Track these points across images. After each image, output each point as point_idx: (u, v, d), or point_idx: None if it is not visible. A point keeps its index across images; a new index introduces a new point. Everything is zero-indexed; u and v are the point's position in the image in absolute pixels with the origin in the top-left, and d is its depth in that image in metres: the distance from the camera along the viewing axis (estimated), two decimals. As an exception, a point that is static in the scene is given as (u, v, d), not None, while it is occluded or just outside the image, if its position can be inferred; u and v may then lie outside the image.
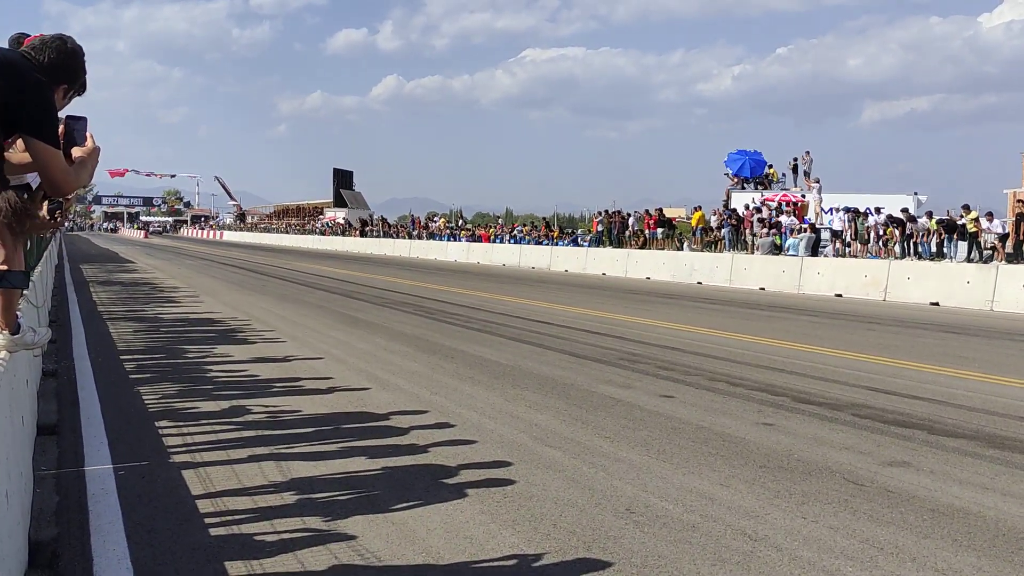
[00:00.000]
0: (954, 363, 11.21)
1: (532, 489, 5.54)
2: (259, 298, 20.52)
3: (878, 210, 28.42)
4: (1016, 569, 4.35)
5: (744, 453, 6.51)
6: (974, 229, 24.54)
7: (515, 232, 48.45)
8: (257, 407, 7.92)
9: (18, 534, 3.94)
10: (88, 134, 3.63)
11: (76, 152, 3.54)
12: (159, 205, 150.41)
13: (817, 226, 30.89)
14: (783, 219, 30.96)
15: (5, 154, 3.62)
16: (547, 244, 42.16)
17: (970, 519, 5.10)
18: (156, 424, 7.21)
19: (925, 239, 26.01)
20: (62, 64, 3.60)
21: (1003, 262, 22.34)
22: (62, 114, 3.62)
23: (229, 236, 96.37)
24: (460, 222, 60.39)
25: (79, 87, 3.75)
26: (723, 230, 32.90)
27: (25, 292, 6.01)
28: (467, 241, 49.19)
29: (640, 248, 35.10)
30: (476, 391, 8.86)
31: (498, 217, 66.85)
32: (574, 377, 9.71)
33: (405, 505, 5.16)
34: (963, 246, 25.08)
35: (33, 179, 4.19)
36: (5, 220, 3.24)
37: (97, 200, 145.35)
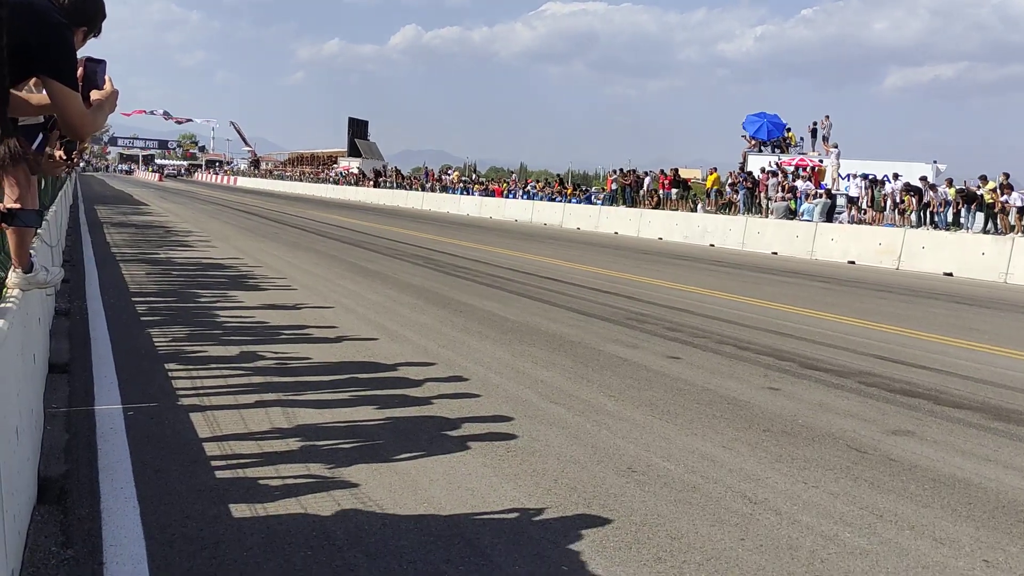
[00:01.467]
0: (964, 334, 11.18)
1: (535, 444, 5.58)
2: (271, 245, 20.56)
3: (896, 176, 28.15)
4: (1014, 540, 4.37)
5: (748, 417, 6.54)
6: (991, 200, 24.32)
7: (528, 188, 48.25)
8: (266, 353, 7.98)
9: (28, 470, 4.00)
10: (107, 77, 3.62)
11: (94, 95, 3.53)
12: (174, 149, 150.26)
13: (833, 192, 30.67)
14: (799, 184, 30.72)
15: (24, 95, 3.62)
16: (560, 201, 41.99)
17: (971, 490, 5.13)
18: (166, 366, 7.27)
19: (942, 209, 25.78)
20: (83, 8, 3.58)
21: (1019, 234, 22.17)
22: (80, 56, 3.60)
23: (243, 182, 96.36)
24: (474, 176, 60.13)
25: (97, 30, 3.73)
26: (738, 193, 32.70)
27: (39, 231, 6.04)
28: (480, 195, 49.03)
29: (654, 208, 34.95)
30: (484, 346, 8.90)
31: (512, 172, 66.53)
32: (581, 335, 9.73)
33: (408, 455, 5.21)
34: (980, 217, 24.88)
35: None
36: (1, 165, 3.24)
37: (113, 142, 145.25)
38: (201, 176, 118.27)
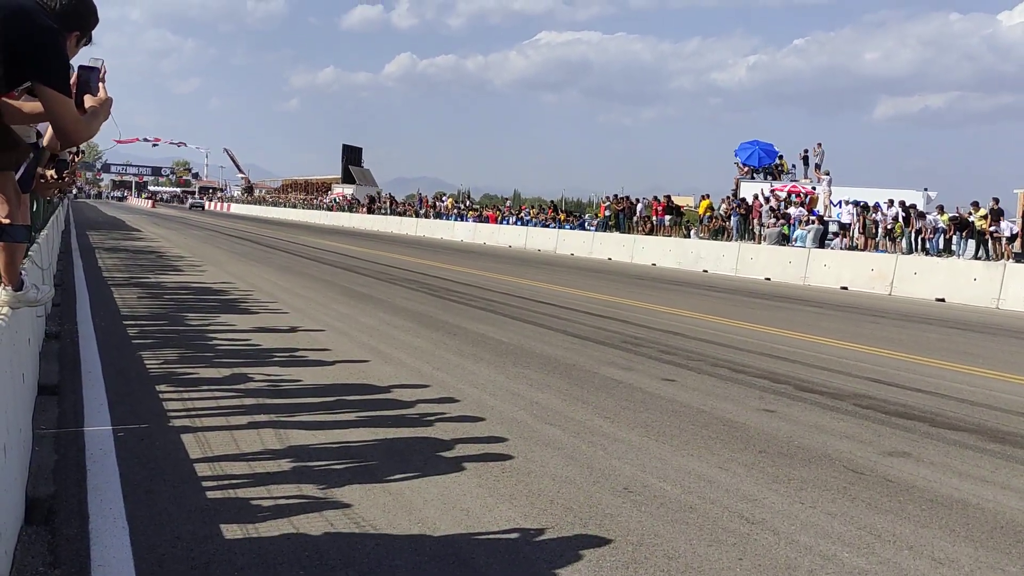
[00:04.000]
0: (958, 358, 11.17)
1: (530, 465, 5.53)
2: (263, 269, 20.52)
3: (891, 202, 28.27)
4: (1013, 561, 4.33)
5: (744, 438, 6.50)
6: (982, 226, 24.42)
7: (522, 214, 48.33)
8: (258, 375, 7.92)
9: (15, 489, 3.94)
10: (101, 84, 3.57)
11: (88, 101, 3.49)
12: (167, 175, 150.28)
13: (825, 219, 30.77)
14: (791, 210, 30.83)
15: (17, 103, 3.58)
16: (554, 227, 42.05)
17: (969, 511, 5.09)
18: (157, 388, 7.21)
19: (932, 236, 25.87)
20: (74, 11, 3.53)
21: (1011, 260, 22.24)
22: (75, 63, 3.56)
23: (236, 208, 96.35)
24: (468, 202, 60.25)
25: (89, 35, 3.69)
26: (731, 219, 32.80)
27: (31, 253, 6.01)
28: (474, 222, 49.08)
29: (647, 234, 35.01)
30: (478, 368, 8.85)
31: (506, 199, 66.61)
32: (576, 358, 9.69)
33: (402, 476, 5.15)
34: (971, 244, 24.97)
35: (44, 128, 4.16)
36: None
37: (106, 168, 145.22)
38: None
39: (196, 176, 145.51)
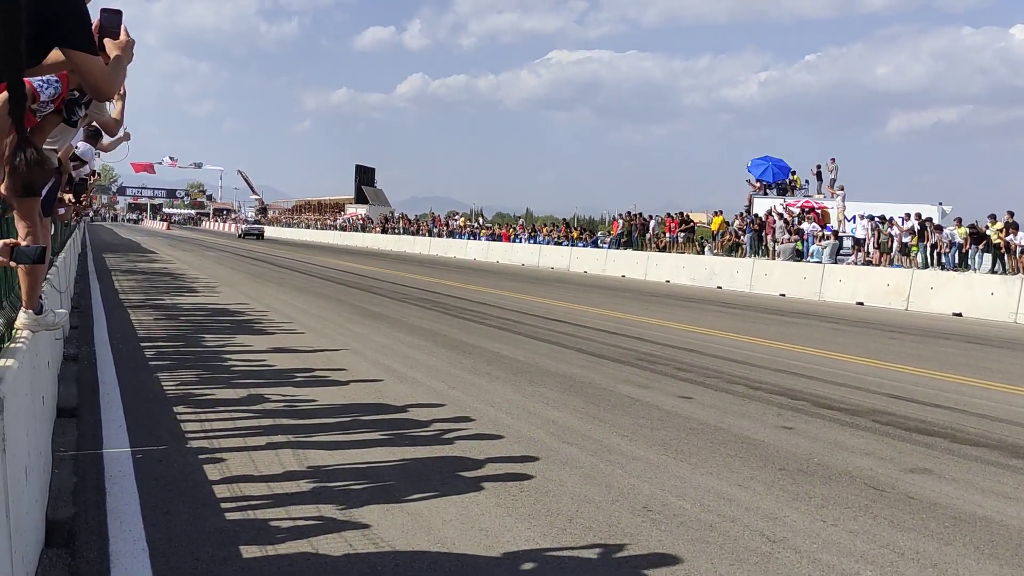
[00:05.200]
0: (977, 373, 11.08)
1: (549, 484, 5.51)
2: (278, 290, 20.57)
3: (907, 215, 28.16)
4: (1039, 579, 4.28)
5: (763, 455, 6.45)
6: (998, 240, 24.29)
7: (535, 232, 48.39)
8: (275, 396, 7.92)
9: (36, 512, 3.94)
10: (123, 27, 3.53)
11: (110, 47, 3.44)
12: (182, 197, 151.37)
13: (840, 234, 30.66)
14: (805, 226, 30.75)
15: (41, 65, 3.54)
16: (567, 245, 42.06)
17: (993, 527, 5.03)
18: (174, 409, 7.22)
19: (948, 250, 25.74)
20: None
21: (1027, 275, 22.10)
22: (96, 9, 3.51)
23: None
24: (480, 221, 60.38)
25: None
26: (744, 235, 32.74)
27: (49, 276, 6.05)
28: (487, 240, 49.17)
29: (660, 251, 34.97)
30: (494, 387, 8.84)
31: (518, 217, 66.73)
32: (592, 376, 9.67)
33: (420, 496, 5.13)
34: (987, 257, 24.83)
35: (85, 151, 4.19)
36: (23, 180, 3.17)
37: (121, 191, 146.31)
38: (209, 224, 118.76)
39: (210, 198, 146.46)
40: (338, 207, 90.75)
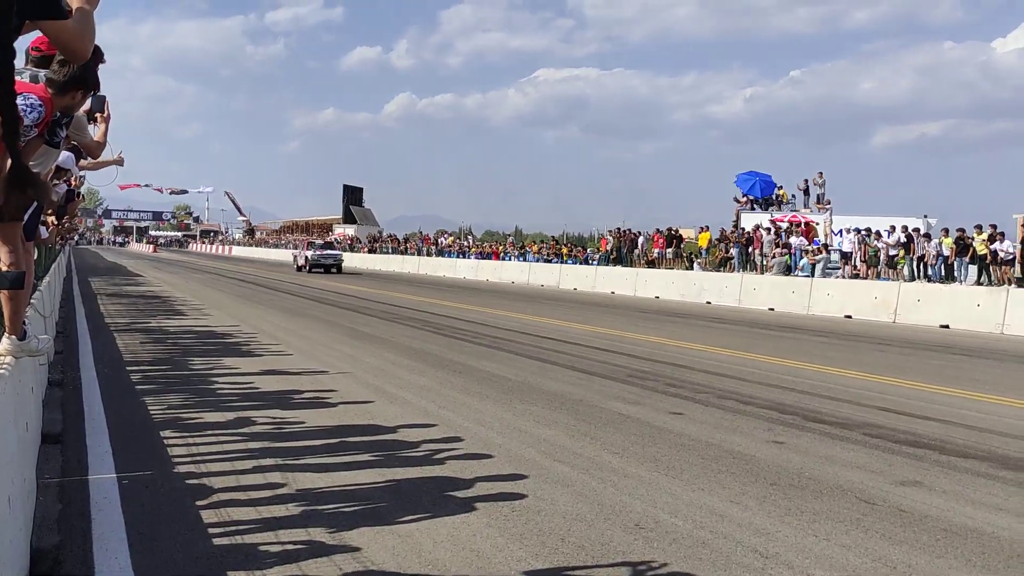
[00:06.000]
0: (966, 385, 11.10)
1: (540, 503, 5.48)
2: (266, 311, 20.50)
3: (892, 228, 28.32)
4: (1033, 590, 4.27)
5: (754, 471, 6.44)
6: (984, 251, 24.43)
7: (524, 250, 48.41)
8: (263, 419, 7.87)
9: (20, 540, 3.89)
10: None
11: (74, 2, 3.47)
12: (169, 220, 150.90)
13: (830, 248, 30.80)
14: (793, 240, 30.88)
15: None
16: (556, 262, 42.09)
17: (984, 539, 5.02)
18: (161, 434, 7.16)
19: (935, 261, 25.86)
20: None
21: (1013, 286, 22.20)
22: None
23: (238, 251, 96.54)
24: (470, 239, 60.39)
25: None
26: (733, 250, 32.84)
27: (33, 300, 6.01)
28: (476, 258, 49.16)
29: (649, 267, 35.02)
30: (484, 406, 8.80)
31: (508, 235, 66.76)
32: (583, 393, 9.64)
33: (411, 518, 5.09)
34: (973, 269, 24.95)
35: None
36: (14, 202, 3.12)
37: (107, 214, 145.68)
38: (196, 246, 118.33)
39: (197, 220, 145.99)
40: (326, 227, 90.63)
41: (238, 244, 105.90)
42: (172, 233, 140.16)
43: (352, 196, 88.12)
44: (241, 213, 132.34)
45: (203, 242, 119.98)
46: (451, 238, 60.51)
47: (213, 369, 10.96)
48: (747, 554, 4.65)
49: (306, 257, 48.27)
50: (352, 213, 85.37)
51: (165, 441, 6.93)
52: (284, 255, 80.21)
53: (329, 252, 49.81)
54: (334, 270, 46.91)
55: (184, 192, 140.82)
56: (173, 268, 49.86)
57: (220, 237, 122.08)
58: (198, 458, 6.39)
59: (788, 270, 29.14)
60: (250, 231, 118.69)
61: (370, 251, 64.64)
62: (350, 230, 79.25)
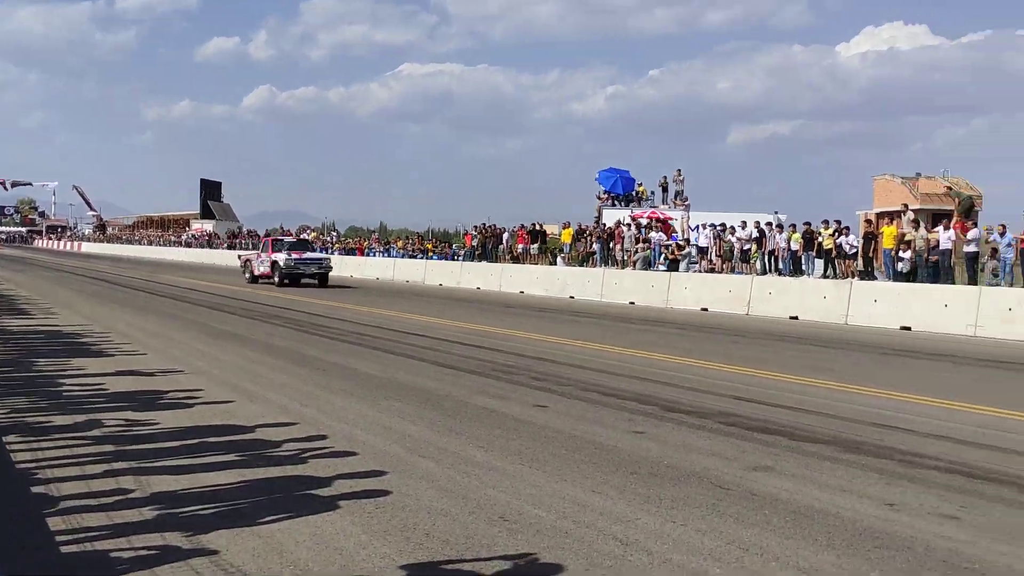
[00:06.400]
0: (814, 373, 11.65)
1: (405, 499, 5.45)
2: (118, 310, 19.67)
3: (744, 223, 29.44)
4: (874, 566, 4.52)
5: (615, 460, 6.59)
6: (830, 246, 25.68)
7: (389, 246, 48.03)
8: (115, 421, 7.56)
9: None
10: None
11: None
12: (11, 215, 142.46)
13: (689, 243, 31.75)
14: (653, 235, 31.71)
15: None
16: (421, 258, 41.94)
17: (829, 519, 5.28)
18: (3, 439, 6.77)
19: (786, 254, 27.03)
20: None
21: (856, 279, 23.45)
22: None
23: (88, 248, 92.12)
24: (333, 235, 59.48)
25: None
26: (595, 245, 33.47)
27: None
28: (340, 254, 48.44)
29: (514, 263, 35.32)
30: (348, 403, 8.70)
31: (372, 231, 66.10)
32: (448, 388, 9.66)
33: (272, 518, 4.99)
34: (819, 263, 26.18)
35: None
36: None
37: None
38: (42, 242, 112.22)
39: (43, 215, 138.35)
40: (183, 223, 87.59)
41: (88, 240, 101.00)
42: (15, 229, 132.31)
43: (210, 191, 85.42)
44: (91, 208, 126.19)
45: (50, 238, 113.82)
46: (314, 234, 59.43)
47: (61, 370, 10.45)
48: (608, 542, 4.75)
49: (272, 263, 32.35)
50: (210, 208, 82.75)
51: (9, 446, 6.55)
52: (140, 251, 76.92)
53: (310, 256, 33.81)
54: (310, 278, 32.21)
55: (28, 184, 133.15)
56: (16, 265, 47.18)
57: (68, 233, 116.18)
58: (44, 463, 6.08)
59: (649, 264, 29.91)
60: (101, 226, 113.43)
61: (229, 247, 62.81)
62: (208, 226, 76.84)
